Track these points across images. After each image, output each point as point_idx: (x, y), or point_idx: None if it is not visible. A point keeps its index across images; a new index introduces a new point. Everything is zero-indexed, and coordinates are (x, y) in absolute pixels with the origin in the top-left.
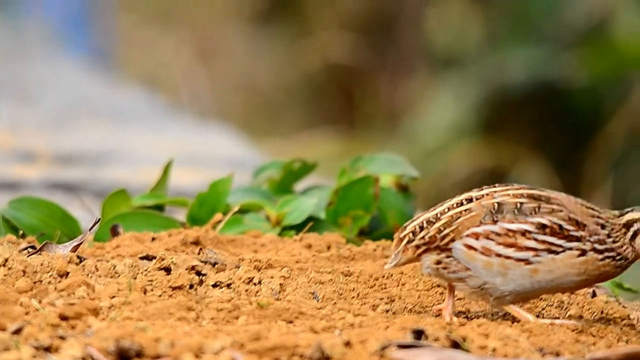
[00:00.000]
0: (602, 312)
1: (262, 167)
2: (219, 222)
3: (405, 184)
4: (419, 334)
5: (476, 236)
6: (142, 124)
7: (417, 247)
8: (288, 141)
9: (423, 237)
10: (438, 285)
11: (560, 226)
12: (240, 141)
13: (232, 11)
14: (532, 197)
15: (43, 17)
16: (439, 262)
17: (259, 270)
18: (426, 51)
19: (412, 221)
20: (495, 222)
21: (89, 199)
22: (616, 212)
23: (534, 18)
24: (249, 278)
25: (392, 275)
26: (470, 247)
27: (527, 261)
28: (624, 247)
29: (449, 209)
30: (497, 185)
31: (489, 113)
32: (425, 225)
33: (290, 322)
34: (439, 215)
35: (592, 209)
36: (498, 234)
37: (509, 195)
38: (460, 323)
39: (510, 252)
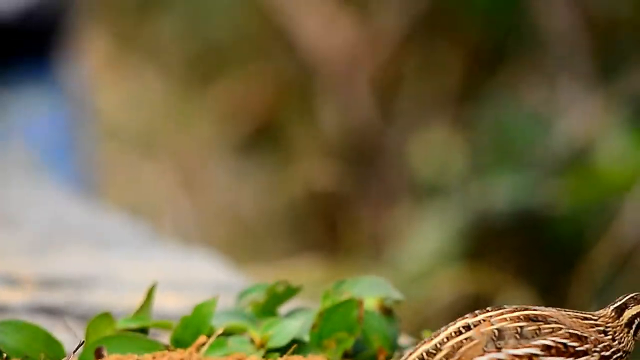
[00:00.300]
0: None
1: (246, 290)
2: (203, 344)
3: (389, 307)
4: None
5: None
6: (126, 250)
7: None
8: (271, 267)
9: None
10: None
11: (564, 345)
12: (224, 266)
13: (215, 139)
14: (529, 318)
15: (26, 144)
16: None
17: None
18: (409, 180)
19: (411, 354)
20: (499, 349)
21: (72, 322)
22: (608, 311)
23: (516, 147)
24: None
25: None
26: None
27: None
28: (629, 344)
29: (448, 339)
30: (489, 309)
31: (472, 240)
32: (425, 357)
33: None
34: (438, 345)
35: (586, 317)
36: None
37: (506, 320)
38: None
39: None
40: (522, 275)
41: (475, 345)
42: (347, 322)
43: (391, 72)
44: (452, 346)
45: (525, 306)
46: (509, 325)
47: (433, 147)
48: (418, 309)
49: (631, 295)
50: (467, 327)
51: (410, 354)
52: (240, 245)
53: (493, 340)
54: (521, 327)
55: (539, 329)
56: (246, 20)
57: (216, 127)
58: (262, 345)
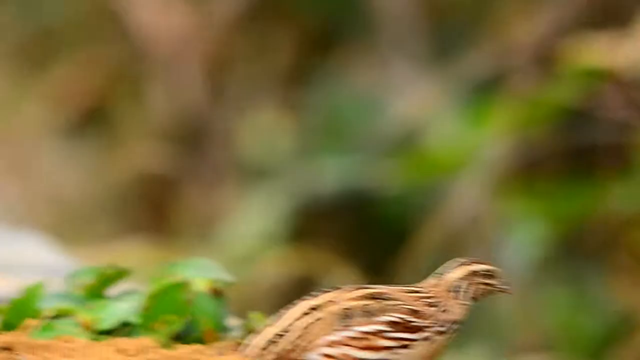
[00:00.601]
0: None
1: (75, 273)
2: (32, 327)
3: (218, 289)
4: None
5: (333, 344)
6: None
7: None
8: (100, 250)
9: (275, 352)
10: None
11: (406, 320)
12: (53, 249)
13: (45, 123)
14: (372, 297)
15: None
16: None
17: None
18: (238, 161)
19: (258, 336)
20: (348, 327)
21: None
22: (433, 281)
23: (347, 128)
24: None
25: None
26: (328, 356)
27: None
28: (457, 310)
29: (295, 320)
30: (328, 289)
31: (300, 222)
32: (274, 339)
33: None
34: (286, 327)
35: (415, 290)
36: (355, 339)
37: (350, 298)
38: None
39: (369, 354)
40: (349, 256)
41: (324, 324)
42: (176, 304)
43: (222, 55)
44: (301, 327)
45: (362, 285)
46: (355, 304)
47: (262, 129)
48: (244, 291)
49: (453, 260)
50: (313, 308)
51: (257, 337)
52: (68, 228)
53: (341, 319)
54: (367, 305)
55: (384, 306)
56: (79, 4)
57: (46, 111)
58: (91, 327)
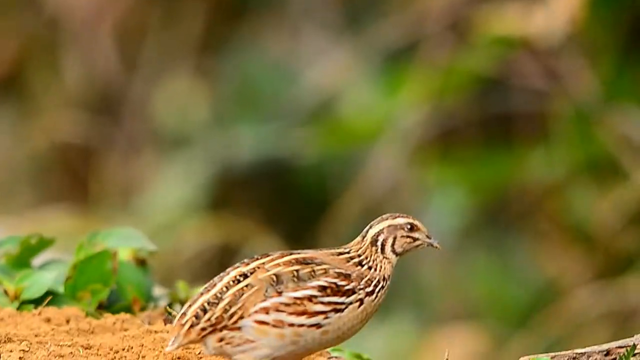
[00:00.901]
0: None
1: None
2: None
3: (143, 258)
4: None
5: (266, 310)
6: None
7: (203, 329)
8: (22, 219)
9: (209, 319)
10: (179, 358)
11: (336, 284)
12: None
13: None
14: (301, 262)
15: None
16: (221, 340)
17: None
18: (153, 130)
19: (191, 304)
20: (279, 293)
21: None
22: (357, 240)
23: (260, 97)
24: None
25: (132, 347)
26: (261, 323)
27: (318, 325)
28: (384, 266)
29: (227, 288)
30: (256, 257)
31: (217, 191)
32: (207, 307)
33: None
34: (218, 295)
35: (341, 252)
36: (287, 304)
37: (280, 265)
38: None
39: (302, 320)
40: (268, 224)
41: (256, 291)
42: (101, 273)
43: (135, 23)
44: (234, 294)
45: (289, 251)
46: (285, 270)
47: (176, 97)
48: (165, 260)
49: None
50: (244, 275)
51: (190, 306)
52: None
53: (272, 285)
54: (297, 270)
55: (314, 271)
56: None
57: None
58: (16, 297)
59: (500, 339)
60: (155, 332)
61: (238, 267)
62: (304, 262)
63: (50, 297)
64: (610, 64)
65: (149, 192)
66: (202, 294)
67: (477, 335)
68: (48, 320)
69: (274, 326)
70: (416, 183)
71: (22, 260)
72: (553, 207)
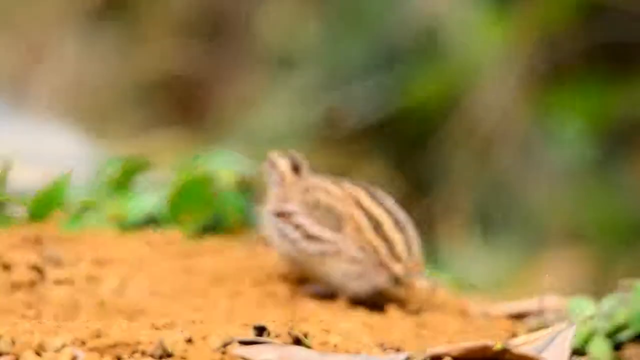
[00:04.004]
0: (442, 307)
1: (102, 164)
2: (59, 219)
3: (244, 181)
4: (260, 330)
5: None
6: None
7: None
8: (125, 142)
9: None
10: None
11: None
12: (80, 140)
13: (63, 11)
14: None
15: None
16: None
17: (100, 267)
18: (261, 51)
19: (409, 244)
20: None
21: None
22: None
23: (367, 17)
24: (90, 275)
25: (233, 271)
26: None
27: None
28: None
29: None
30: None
31: (324, 115)
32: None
33: (132, 318)
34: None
35: None
36: None
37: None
38: (302, 319)
39: None
40: (375, 151)
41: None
42: (202, 196)
43: None
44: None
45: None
46: None
47: (282, 18)
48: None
49: None
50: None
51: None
52: (94, 118)
53: None
54: None
55: None
56: None
57: None
58: (118, 220)
59: (607, 263)
60: (257, 255)
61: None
62: None
63: (152, 221)
64: None
65: (256, 116)
66: (400, 231)
67: (583, 259)
68: (149, 243)
69: None
70: (527, 113)
71: (123, 183)
72: None
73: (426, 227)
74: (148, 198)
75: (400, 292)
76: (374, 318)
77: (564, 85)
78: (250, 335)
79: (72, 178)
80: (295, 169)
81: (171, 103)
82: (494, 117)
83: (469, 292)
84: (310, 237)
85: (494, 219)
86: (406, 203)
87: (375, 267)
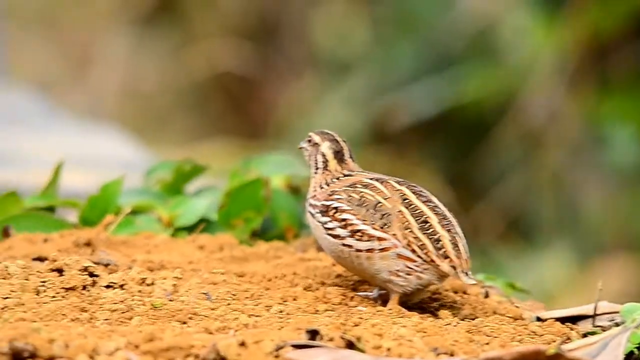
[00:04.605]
0: (495, 312)
1: (153, 168)
2: (111, 223)
3: (296, 185)
4: (313, 334)
5: None
6: (32, 127)
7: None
8: (176, 144)
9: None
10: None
11: None
12: (130, 143)
13: (115, 13)
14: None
15: None
16: None
17: (151, 271)
18: (312, 55)
19: (455, 241)
20: None
21: None
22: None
23: (418, 20)
24: (142, 279)
25: (285, 275)
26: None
27: None
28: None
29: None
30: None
31: (376, 119)
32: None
33: (184, 322)
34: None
35: None
36: None
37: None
38: (355, 323)
39: None
40: (429, 152)
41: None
42: (254, 200)
43: None
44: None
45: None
46: None
47: (334, 21)
48: None
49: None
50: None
51: (455, 243)
52: (143, 122)
53: None
54: None
55: None
56: None
57: (117, 0)
58: (170, 224)
59: None
60: (308, 259)
61: (425, 198)
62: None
63: (203, 224)
64: None
65: (308, 120)
66: (446, 229)
67: (636, 264)
68: (201, 247)
69: None
70: (578, 117)
71: (175, 187)
72: None
73: (479, 232)
74: (200, 202)
75: (454, 296)
76: (427, 322)
77: (615, 91)
78: (303, 339)
79: (124, 182)
80: (337, 155)
81: (223, 107)
82: (545, 121)
83: (523, 297)
84: (356, 233)
85: (548, 225)
86: (459, 207)
87: (422, 264)
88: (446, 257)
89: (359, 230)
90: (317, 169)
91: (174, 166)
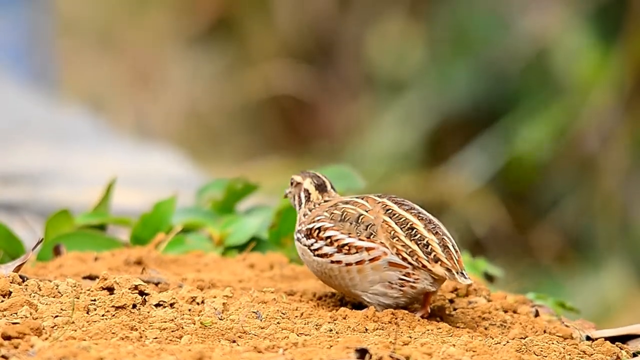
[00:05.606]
0: (544, 331)
1: (205, 187)
2: (162, 241)
3: None
4: (362, 353)
5: None
6: (84, 145)
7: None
8: (230, 164)
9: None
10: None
11: None
12: (183, 162)
13: (171, 33)
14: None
15: None
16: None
17: (201, 289)
18: (368, 75)
19: (444, 243)
20: None
21: (31, 218)
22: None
23: (474, 42)
24: (192, 297)
25: (334, 294)
26: None
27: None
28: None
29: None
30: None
31: (433, 139)
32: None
33: (234, 341)
34: (448, 236)
35: None
36: None
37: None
38: (404, 342)
39: None
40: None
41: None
42: None
43: None
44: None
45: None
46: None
47: (390, 41)
48: None
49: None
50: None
51: (445, 246)
52: (197, 141)
53: None
54: None
55: None
56: None
57: (172, 20)
58: (220, 243)
59: None
60: None
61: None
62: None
63: (254, 243)
64: None
65: (363, 140)
66: (433, 232)
67: None
68: (252, 266)
69: None
70: (632, 140)
71: (227, 206)
72: None
73: (534, 252)
74: (251, 221)
75: (504, 315)
76: (477, 342)
77: None
78: (353, 357)
79: (177, 201)
80: (319, 187)
81: (278, 127)
82: (600, 144)
83: (574, 316)
84: (344, 248)
85: (604, 244)
86: (516, 229)
87: (414, 273)
88: (437, 260)
89: (345, 244)
90: (300, 203)
91: (226, 185)
